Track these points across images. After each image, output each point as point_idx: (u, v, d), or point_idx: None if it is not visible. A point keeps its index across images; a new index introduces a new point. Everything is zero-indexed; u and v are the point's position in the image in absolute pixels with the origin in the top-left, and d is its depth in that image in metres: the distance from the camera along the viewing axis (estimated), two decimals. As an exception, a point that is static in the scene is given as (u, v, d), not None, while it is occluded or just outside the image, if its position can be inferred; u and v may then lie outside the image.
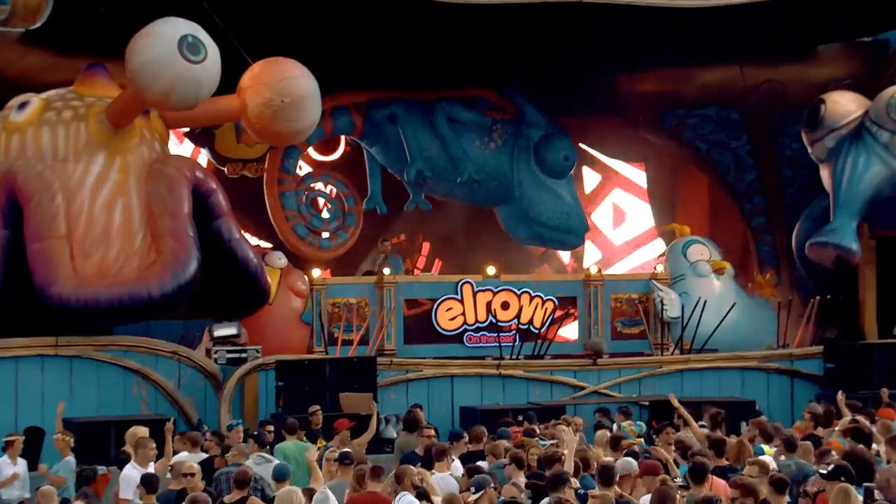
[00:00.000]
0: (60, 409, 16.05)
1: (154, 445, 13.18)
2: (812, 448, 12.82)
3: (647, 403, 19.23)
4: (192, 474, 11.73)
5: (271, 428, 15.86)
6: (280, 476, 11.60)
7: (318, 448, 14.45)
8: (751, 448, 12.85)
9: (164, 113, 18.77)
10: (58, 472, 14.15)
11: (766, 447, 13.14)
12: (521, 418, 17.18)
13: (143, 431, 13.77)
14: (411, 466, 11.68)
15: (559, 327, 21.57)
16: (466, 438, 14.17)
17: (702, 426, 14.87)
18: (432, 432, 14.73)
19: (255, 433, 14.70)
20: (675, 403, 15.55)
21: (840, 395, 16.31)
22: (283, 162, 22.80)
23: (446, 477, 12.13)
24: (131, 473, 12.49)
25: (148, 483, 11.40)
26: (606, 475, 10.61)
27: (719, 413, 14.64)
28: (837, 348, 21.06)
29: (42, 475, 14.23)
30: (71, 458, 14.24)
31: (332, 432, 15.30)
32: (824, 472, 10.53)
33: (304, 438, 15.13)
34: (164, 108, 17.97)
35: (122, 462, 12.84)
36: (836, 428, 14.34)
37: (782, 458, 12.36)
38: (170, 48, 17.07)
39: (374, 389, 18.59)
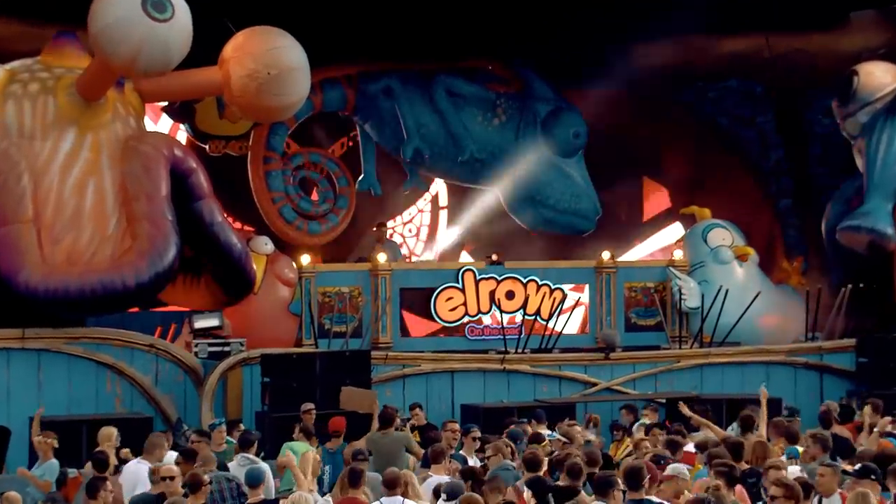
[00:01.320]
0: (39, 414, 16.04)
1: (167, 445, 13.22)
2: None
3: (663, 401, 19.22)
4: (172, 477, 11.72)
5: (241, 426, 15.86)
6: (253, 481, 11.57)
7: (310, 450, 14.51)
8: (771, 449, 12.88)
9: (139, 86, 18.73)
10: (43, 476, 14.19)
11: (800, 448, 13.19)
12: (525, 419, 17.17)
13: (113, 432, 13.79)
14: (407, 471, 11.68)
15: (569, 313, 21.55)
16: (478, 433, 14.19)
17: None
18: (456, 426, 14.72)
19: (243, 432, 14.70)
20: (687, 413, 15.53)
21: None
22: (268, 139, 22.81)
23: (445, 479, 12.12)
24: (140, 468, 12.55)
25: (91, 487, 11.41)
26: (634, 478, 10.54)
27: (751, 416, 14.68)
28: (871, 341, 21.05)
29: (27, 480, 14.24)
30: (55, 461, 14.30)
31: (329, 432, 15.23)
32: (849, 471, 10.63)
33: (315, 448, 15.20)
34: (133, 74, 17.93)
35: (100, 462, 12.88)
36: (877, 429, 14.40)
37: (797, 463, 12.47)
38: (133, 7, 17.01)
39: (368, 385, 18.56)
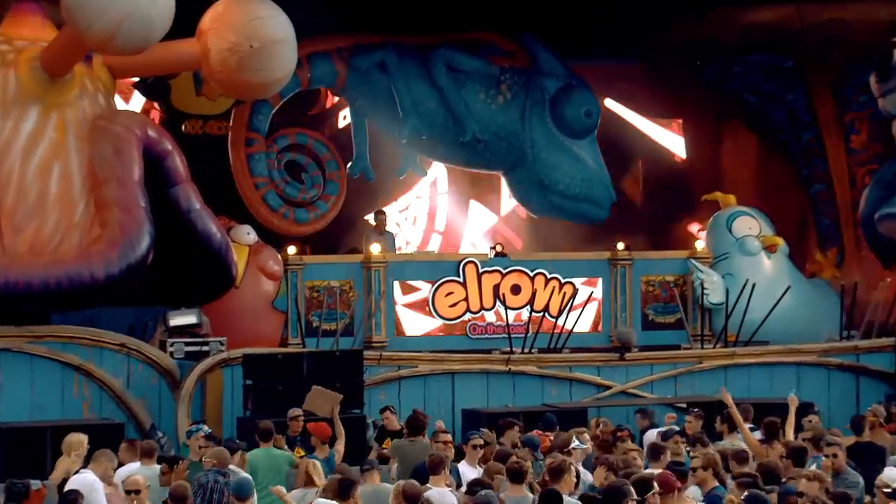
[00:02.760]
0: None
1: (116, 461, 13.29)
2: None
3: (684, 406, 19.19)
4: (138, 491, 11.69)
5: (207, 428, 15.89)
6: (240, 493, 11.55)
7: (298, 458, 14.49)
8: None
9: (109, 60, 18.68)
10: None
11: (823, 458, 13.16)
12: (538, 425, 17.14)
13: (82, 440, 13.76)
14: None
15: (581, 309, 21.51)
16: (479, 441, 14.14)
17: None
18: (449, 437, 14.64)
19: (225, 441, 14.67)
20: (729, 402, 15.47)
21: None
22: (251, 119, 22.75)
23: (444, 493, 12.12)
24: (86, 478, 12.55)
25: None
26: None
27: (775, 422, 14.64)
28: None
29: None
30: None
31: (320, 441, 15.18)
32: (888, 490, 10.63)
33: (286, 446, 15.15)
34: (108, 51, 17.90)
35: None
36: None
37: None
38: (113, -23, 17.02)
39: (360, 388, 18.58)
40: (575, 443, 14.35)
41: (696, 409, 17.47)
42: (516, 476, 11.70)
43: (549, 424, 16.85)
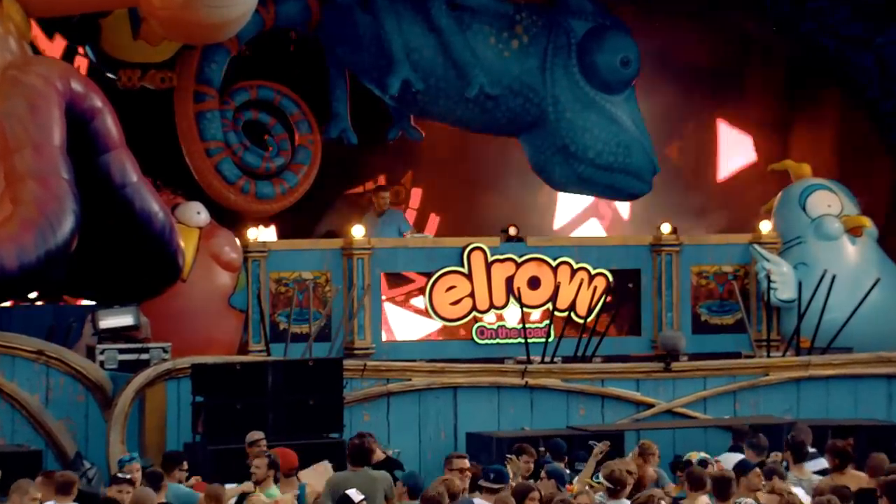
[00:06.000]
0: None
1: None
2: None
3: (746, 429, 19.16)
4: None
5: (185, 466, 15.92)
6: None
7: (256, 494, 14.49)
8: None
9: (22, -6, 18.77)
10: None
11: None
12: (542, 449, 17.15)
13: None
14: None
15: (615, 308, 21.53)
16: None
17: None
18: (466, 463, 14.58)
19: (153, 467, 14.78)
20: None
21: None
22: (201, 68, 22.74)
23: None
24: None
25: None
26: None
27: (848, 443, 14.62)
28: None
29: None
30: None
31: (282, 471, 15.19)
32: None
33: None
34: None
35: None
36: None
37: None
38: None
39: (339, 406, 18.61)
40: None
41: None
42: None
43: (558, 450, 16.82)
